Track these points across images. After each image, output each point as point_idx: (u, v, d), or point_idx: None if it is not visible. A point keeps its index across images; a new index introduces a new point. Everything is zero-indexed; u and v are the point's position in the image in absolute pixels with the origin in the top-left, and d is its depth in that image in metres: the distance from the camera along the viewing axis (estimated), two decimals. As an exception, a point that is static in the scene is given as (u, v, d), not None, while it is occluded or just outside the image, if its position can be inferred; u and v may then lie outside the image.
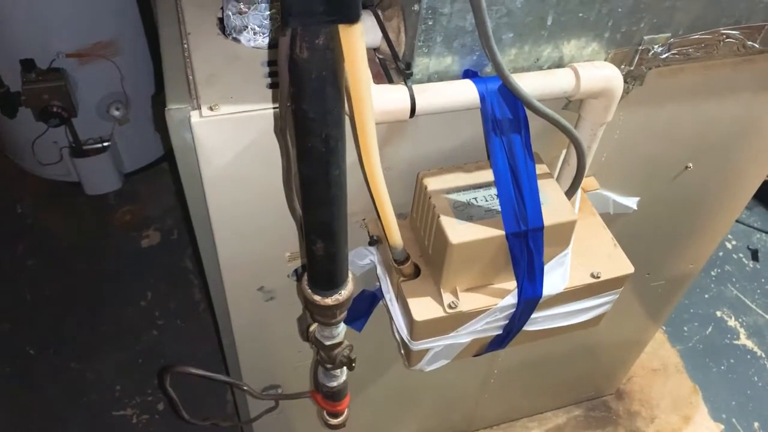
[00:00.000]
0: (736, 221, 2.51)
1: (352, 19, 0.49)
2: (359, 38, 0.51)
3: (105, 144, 2.16)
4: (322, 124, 0.56)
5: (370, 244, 1.05)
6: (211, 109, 0.80)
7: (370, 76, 0.56)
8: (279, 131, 0.76)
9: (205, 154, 0.83)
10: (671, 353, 2.11)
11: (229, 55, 0.89)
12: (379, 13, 0.83)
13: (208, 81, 0.84)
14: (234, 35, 0.90)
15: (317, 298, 0.76)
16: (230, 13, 0.88)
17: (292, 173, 0.67)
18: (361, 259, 1.08)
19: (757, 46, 0.96)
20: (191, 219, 0.95)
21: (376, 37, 0.84)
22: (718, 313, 2.24)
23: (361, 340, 1.18)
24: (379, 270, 1.04)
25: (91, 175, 2.22)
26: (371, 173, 0.72)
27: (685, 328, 2.19)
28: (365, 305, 1.18)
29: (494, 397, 1.73)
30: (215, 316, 1.15)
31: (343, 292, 0.76)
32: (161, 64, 0.88)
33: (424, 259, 0.98)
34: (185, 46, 0.90)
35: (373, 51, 0.87)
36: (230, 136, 0.82)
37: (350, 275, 0.78)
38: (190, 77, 0.85)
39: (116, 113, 2.10)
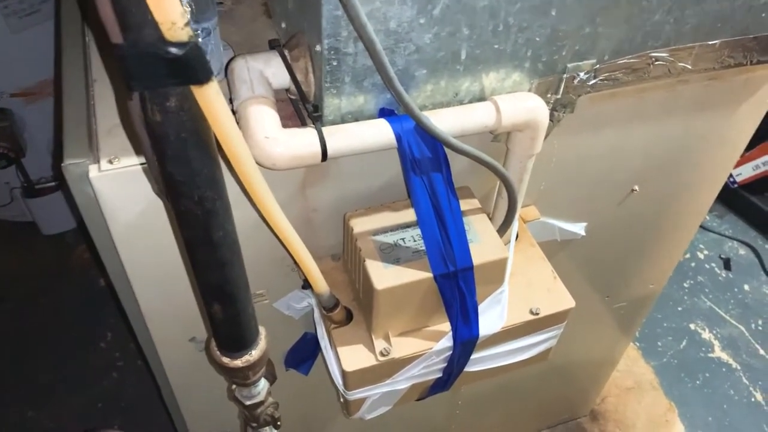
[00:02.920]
0: (708, 230, 2.50)
1: (201, 79, 0.45)
2: (215, 97, 0.47)
3: (57, 182, 2.11)
4: (192, 186, 0.52)
5: (304, 287, 1.01)
6: (110, 162, 0.76)
7: (239, 132, 0.52)
8: (158, 193, 0.72)
9: (110, 209, 0.79)
10: (645, 370, 2.07)
11: (137, 101, 0.85)
12: (286, 53, 0.79)
13: (110, 132, 0.80)
14: (142, 80, 0.86)
15: (226, 360, 0.71)
16: (137, 57, 0.84)
17: (181, 233, 0.63)
18: (298, 302, 1.04)
19: (689, 67, 0.93)
20: (108, 275, 0.91)
21: (285, 77, 0.80)
22: (692, 326, 2.21)
23: (316, 378, 1.13)
24: (316, 314, 0.99)
25: (46, 214, 2.17)
26: (275, 225, 0.68)
27: (659, 343, 2.15)
28: (309, 348, 1.13)
29: (463, 426, 1.68)
30: (149, 368, 1.10)
31: (254, 352, 0.72)
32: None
33: (357, 303, 0.94)
34: (90, 93, 0.86)
35: (285, 91, 0.83)
36: (133, 188, 0.78)
37: (262, 333, 0.73)
38: (93, 127, 0.81)
39: (68, 151, 2.05)
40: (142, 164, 0.76)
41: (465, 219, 0.86)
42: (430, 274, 0.84)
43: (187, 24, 0.42)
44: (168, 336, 1.00)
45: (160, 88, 0.45)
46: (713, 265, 2.40)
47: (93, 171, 0.76)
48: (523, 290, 0.95)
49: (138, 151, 0.74)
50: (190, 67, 0.44)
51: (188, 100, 0.47)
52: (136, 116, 0.48)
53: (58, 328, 2.08)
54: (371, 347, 0.89)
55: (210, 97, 0.47)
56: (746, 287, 2.33)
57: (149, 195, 0.78)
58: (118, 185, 0.77)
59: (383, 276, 0.83)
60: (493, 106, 0.81)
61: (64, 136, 0.80)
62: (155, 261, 0.88)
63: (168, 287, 0.92)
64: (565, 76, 0.85)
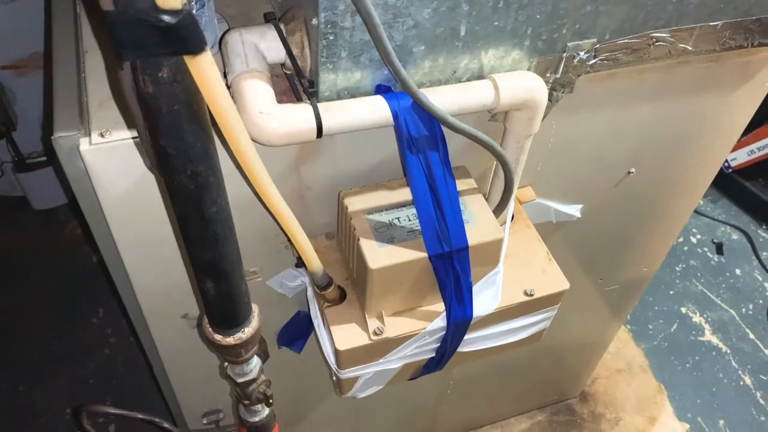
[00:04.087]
0: (701, 214, 2.50)
1: (194, 49, 0.44)
2: (209, 69, 0.46)
3: (50, 157, 2.08)
4: (185, 160, 0.51)
5: (297, 266, 1.00)
6: (102, 135, 0.75)
7: (233, 105, 0.51)
8: (151, 168, 0.70)
9: (101, 183, 0.78)
10: (636, 352, 2.08)
11: (129, 74, 0.83)
12: (282, 26, 0.77)
13: (102, 104, 0.79)
14: (135, 52, 0.84)
15: (218, 337, 0.71)
16: (129, 29, 0.83)
17: (174, 209, 0.62)
18: (291, 280, 1.03)
19: (690, 48, 0.91)
20: (100, 250, 0.90)
21: (281, 51, 0.79)
22: (683, 310, 2.22)
23: (309, 356, 1.13)
24: (309, 292, 0.98)
25: (37, 189, 2.15)
26: (269, 202, 0.67)
27: (650, 326, 2.16)
28: (302, 327, 1.13)
29: (454, 406, 1.69)
30: (141, 344, 1.10)
31: (246, 329, 0.71)
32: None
33: (350, 282, 0.93)
34: (82, 65, 0.84)
35: (280, 66, 0.82)
36: (125, 162, 0.76)
37: (255, 311, 0.73)
38: (84, 99, 0.80)
39: (59, 125, 2.02)
40: (134, 138, 0.75)
41: (461, 199, 0.86)
42: (424, 254, 0.83)
43: (180, -9, 0.40)
44: (160, 312, 0.99)
45: (152, 58, 0.44)
46: (706, 249, 2.41)
47: (84, 144, 0.74)
48: (517, 271, 0.95)
49: (130, 124, 0.73)
50: (183, 36, 0.43)
51: (181, 71, 0.45)
52: (127, 88, 0.47)
53: (49, 304, 2.07)
54: (364, 326, 0.89)
55: (204, 68, 0.45)
56: (738, 272, 2.34)
57: (141, 169, 0.77)
58: (110, 159, 0.76)
59: (377, 255, 0.83)
60: (491, 85, 0.80)
61: (55, 108, 0.78)
62: (147, 236, 0.87)
63: (160, 263, 0.91)
64: (565, 55, 0.84)
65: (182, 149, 0.50)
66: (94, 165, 0.76)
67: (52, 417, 1.84)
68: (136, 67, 0.45)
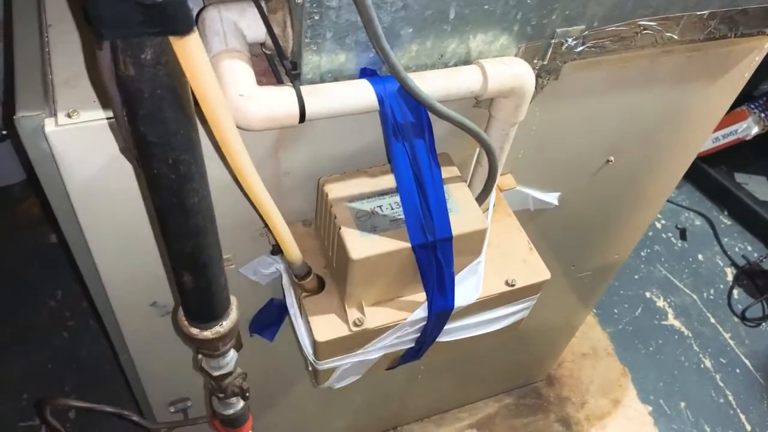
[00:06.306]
0: (666, 200, 2.53)
1: (182, 30, 0.40)
2: (196, 51, 0.42)
3: (4, 132, 1.99)
4: (166, 149, 0.48)
5: (273, 253, 0.97)
6: (69, 116, 0.70)
7: (220, 91, 0.47)
8: (125, 151, 0.66)
9: (67, 167, 0.73)
10: (601, 336, 2.11)
11: (97, 50, 0.78)
12: (263, 4, 0.73)
13: (68, 82, 0.74)
14: (103, 27, 0.79)
15: (195, 331, 0.67)
16: (97, 1, 0.77)
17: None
18: (266, 267, 1.00)
19: (675, 37, 0.90)
20: (65, 237, 0.85)
21: (261, 30, 0.75)
22: (648, 294, 2.25)
23: (281, 341, 1.10)
24: (285, 280, 0.95)
25: (-7, 165, 2.05)
26: (250, 190, 0.64)
27: (615, 311, 2.19)
28: (275, 315, 1.10)
29: (423, 390, 1.68)
30: (106, 332, 1.05)
31: (224, 323, 0.68)
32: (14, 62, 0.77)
33: (329, 271, 0.91)
34: (45, 39, 0.79)
35: (260, 45, 0.78)
36: (94, 145, 0.72)
37: (233, 303, 0.70)
38: (49, 77, 0.74)
39: (15, 99, 1.93)
40: (103, 119, 0.70)
41: (445, 187, 0.83)
42: (407, 244, 0.81)
43: (168, -35, 0.37)
44: (127, 300, 0.95)
45: (134, 39, 0.40)
46: (670, 234, 2.45)
47: (49, 125, 0.70)
48: (499, 261, 0.93)
49: (105, 104, 0.68)
50: (171, 15, 0.39)
51: (166, 52, 0.42)
52: (105, 69, 0.43)
53: (4, 286, 1.98)
54: (344, 317, 0.86)
55: (191, 50, 0.42)
56: (700, 257, 2.38)
57: (111, 152, 0.73)
58: (77, 141, 0.71)
59: (359, 245, 0.80)
60: (479, 70, 0.77)
61: (17, 85, 0.73)
62: (116, 222, 0.82)
63: (129, 250, 0.87)
64: (553, 41, 0.82)
65: (164, 137, 0.47)
66: (61, 147, 0.71)
67: (8, 404, 1.77)
68: (117, 47, 0.41)
